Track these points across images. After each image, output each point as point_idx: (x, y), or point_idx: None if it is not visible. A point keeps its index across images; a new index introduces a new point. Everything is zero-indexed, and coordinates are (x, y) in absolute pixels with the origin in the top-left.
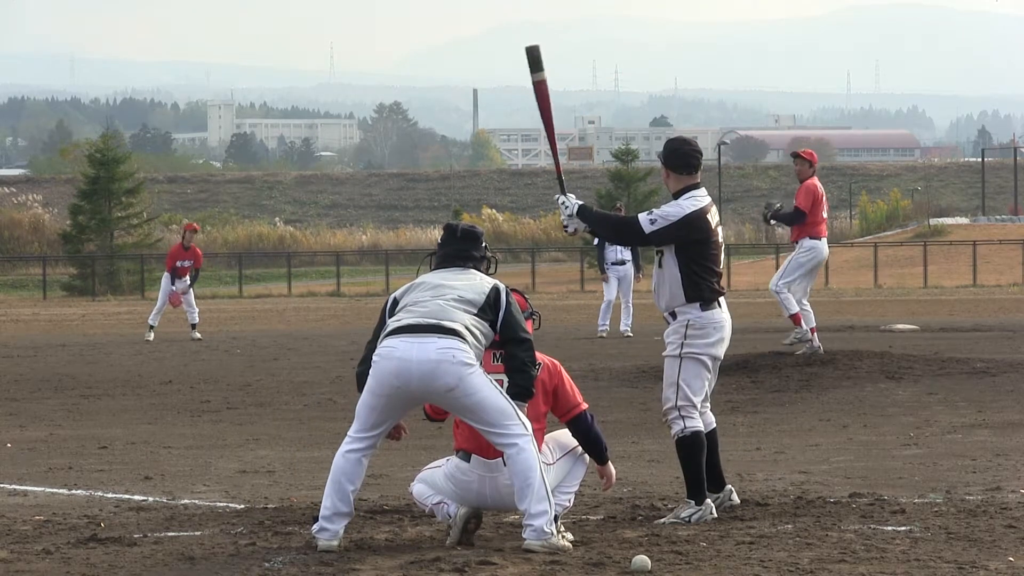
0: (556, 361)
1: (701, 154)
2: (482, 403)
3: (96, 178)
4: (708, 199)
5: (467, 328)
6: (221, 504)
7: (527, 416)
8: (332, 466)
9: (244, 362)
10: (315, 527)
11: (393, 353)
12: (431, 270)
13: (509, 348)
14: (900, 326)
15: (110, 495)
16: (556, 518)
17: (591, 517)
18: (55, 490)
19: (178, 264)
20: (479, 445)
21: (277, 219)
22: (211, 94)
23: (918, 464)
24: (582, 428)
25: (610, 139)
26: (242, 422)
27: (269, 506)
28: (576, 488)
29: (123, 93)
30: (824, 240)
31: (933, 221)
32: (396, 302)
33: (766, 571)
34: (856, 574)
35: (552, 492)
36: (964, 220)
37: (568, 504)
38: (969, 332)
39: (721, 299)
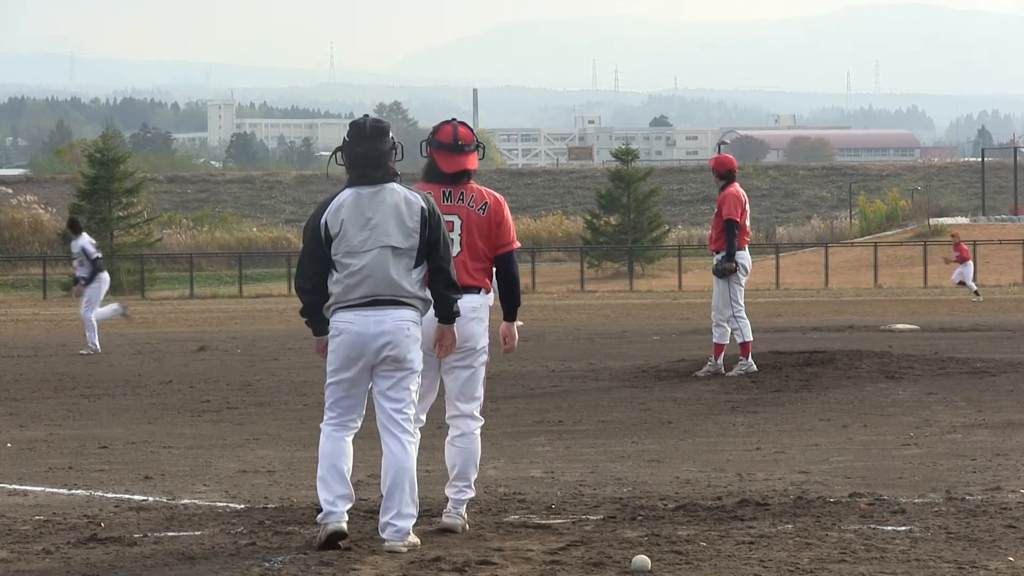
0: (501, 197)
1: None
2: (414, 376)
3: (96, 178)
4: None
5: (417, 297)
6: (221, 504)
7: (476, 253)
8: (320, 452)
9: (244, 362)
10: (321, 515)
11: (351, 328)
12: (348, 183)
13: (431, 275)
14: (900, 326)
15: (110, 495)
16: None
17: (591, 517)
18: (55, 490)
19: None
20: None
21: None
22: (211, 94)
23: (918, 464)
24: (507, 264)
25: (610, 139)
26: (242, 422)
27: (269, 506)
28: (474, 473)
29: (123, 93)
30: (747, 250)
31: (933, 221)
32: (329, 237)
33: (766, 571)
34: (856, 574)
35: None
36: (964, 220)
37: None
38: (969, 332)
39: None
